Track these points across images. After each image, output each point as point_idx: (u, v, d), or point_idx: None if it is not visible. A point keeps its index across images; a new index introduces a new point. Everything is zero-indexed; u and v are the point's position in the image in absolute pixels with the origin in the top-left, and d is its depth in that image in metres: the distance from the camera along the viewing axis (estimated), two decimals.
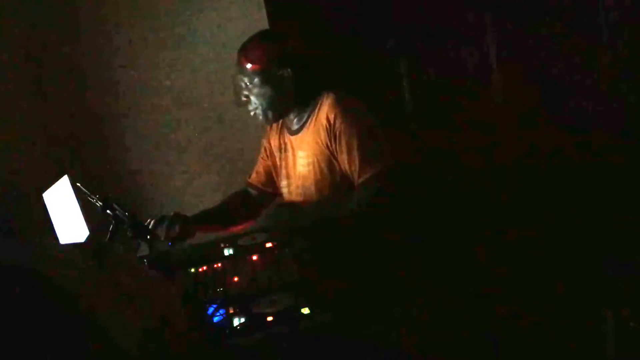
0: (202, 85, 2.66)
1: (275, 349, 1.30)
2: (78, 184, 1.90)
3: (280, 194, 2.17)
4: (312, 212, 2.00)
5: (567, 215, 2.60)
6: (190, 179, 2.76)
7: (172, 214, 1.99)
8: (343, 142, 1.90)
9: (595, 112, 2.77)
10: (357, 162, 1.89)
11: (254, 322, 1.35)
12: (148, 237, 1.86)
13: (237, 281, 1.57)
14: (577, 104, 2.78)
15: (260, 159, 2.23)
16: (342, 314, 1.36)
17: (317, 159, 1.97)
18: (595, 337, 2.04)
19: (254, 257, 1.69)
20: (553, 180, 2.71)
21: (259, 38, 1.99)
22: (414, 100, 2.82)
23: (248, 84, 1.95)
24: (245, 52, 1.96)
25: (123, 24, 2.58)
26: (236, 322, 1.35)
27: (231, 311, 1.40)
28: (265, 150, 2.20)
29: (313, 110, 1.98)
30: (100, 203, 1.81)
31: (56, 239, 1.79)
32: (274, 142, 2.15)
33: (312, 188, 2.00)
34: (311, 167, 1.99)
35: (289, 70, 1.92)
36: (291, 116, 2.04)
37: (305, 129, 2.00)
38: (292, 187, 2.08)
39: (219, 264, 1.69)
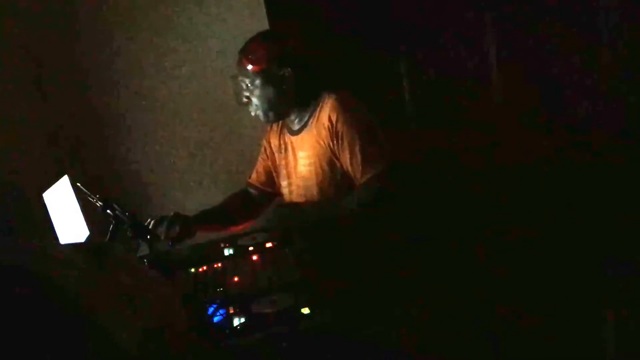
0: (202, 85, 2.65)
1: (275, 349, 1.30)
2: (78, 184, 1.90)
3: (280, 194, 2.17)
4: (313, 212, 2.00)
5: (567, 215, 2.60)
6: (190, 179, 2.76)
7: (172, 214, 1.99)
8: (345, 143, 1.90)
9: (595, 112, 2.77)
10: (359, 162, 1.89)
11: (254, 322, 1.35)
12: (148, 237, 1.86)
13: (237, 281, 1.57)
14: (577, 104, 2.78)
15: (260, 159, 2.23)
16: (342, 314, 1.36)
17: (318, 159, 1.97)
18: (595, 337, 2.04)
19: (254, 257, 1.70)
20: (553, 180, 2.71)
21: (260, 38, 1.99)
22: (414, 100, 2.82)
23: (249, 84, 1.95)
24: (245, 52, 1.96)
25: (123, 23, 2.58)
26: (236, 322, 1.35)
27: (231, 311, 1.40)
28: (265, 150, 2.20)
29: (314, 110, 1.98)
30: (100, 203, 1.81)
31: (56, 239, 1.79)
32: (274, 142, 2.15)
33: (313, 188, 2.00)
34: (312, 167, 1.99)
35: (289, 70, 1.93)
36: (292, 116, 2.04)
37: (306, 129, 2.00)
38: (293, 187, 2.08)
39: (219, 264, 1.69)
